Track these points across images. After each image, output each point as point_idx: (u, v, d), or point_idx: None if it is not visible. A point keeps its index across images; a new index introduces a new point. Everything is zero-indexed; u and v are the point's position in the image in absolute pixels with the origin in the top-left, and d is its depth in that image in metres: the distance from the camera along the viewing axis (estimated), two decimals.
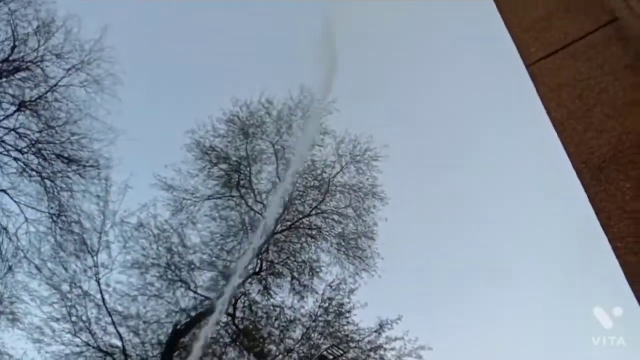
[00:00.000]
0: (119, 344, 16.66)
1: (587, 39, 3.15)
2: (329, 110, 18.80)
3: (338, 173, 19.25)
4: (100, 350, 16.64)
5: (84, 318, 16.58)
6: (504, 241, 19.54)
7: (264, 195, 19.34)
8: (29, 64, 15.36)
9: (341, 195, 19.30)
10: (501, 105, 18.21)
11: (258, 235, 17.34)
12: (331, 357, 15.87)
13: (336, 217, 19.22)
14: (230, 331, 17.95)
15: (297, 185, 19.29)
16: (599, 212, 2.47)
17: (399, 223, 18.82)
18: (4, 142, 15.62)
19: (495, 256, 19.29)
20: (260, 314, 18.01)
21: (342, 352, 16.17)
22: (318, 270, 18.69)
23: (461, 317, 18.86)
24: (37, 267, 16.11)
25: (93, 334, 16.59)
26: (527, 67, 3.31)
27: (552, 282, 17.87)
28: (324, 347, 16.51)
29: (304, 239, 19.11)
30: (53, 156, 16.03)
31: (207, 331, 16.00)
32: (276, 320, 17.89)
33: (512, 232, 19.44)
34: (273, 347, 17.68)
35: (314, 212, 19.04)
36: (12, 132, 15.64)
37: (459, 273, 19.44)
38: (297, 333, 17.79)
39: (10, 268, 15.82)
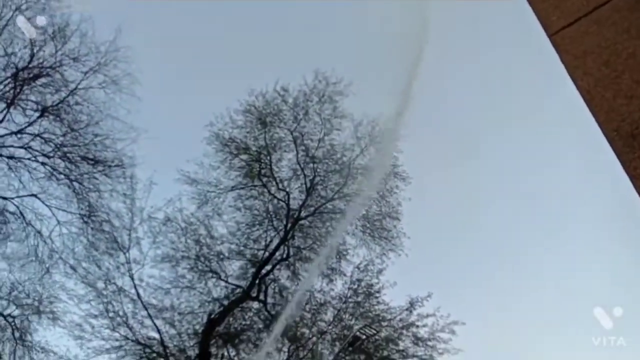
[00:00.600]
0: (156, 335, 17.15)
1: (611, 4, 3.07)
2: (345, 93, 18.74)
3: (358, 155, 19.26)
4: (139, 343, 17.12)
5: (121, 313, 17.08)
6: (524, 223, 19.12)
7: (285, 183, 19.51)
8: (48, 69, 15.60)
9: (362, 178, 19.33)
10: (526, 84, 17.64)
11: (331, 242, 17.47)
12: (364, 336, 16.03)
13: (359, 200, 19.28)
14: (262, 317, 18.30)
15: (318, 170, 19.37)
16: (633, 179, 2.44)
17: (423, 201, 18.73)
18: (30, 147, 15.97)
19: (511, 239, 19.05)
20: (290, 298, 18.27)
21: (374, 332, 16.32)
22: (344, 252, 18.86)
23: (492, 292, 18.76)
24: (72, 267, 16.59)
25: (130, 328, 17.08)
26: (549, 37, 3.24)
27: (553, 282, 17.59)
28: (356, 327, 16.69)
29: (328, 223, 19.26)
30: (78, 158, 16.32)
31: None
32: (306, 304, 18.14)
33: (533, 214, 18.94)
34: (306, 330, 17.97)
35: (336, 196, 19.13)
36: (37, 138, 15.99)
37: (485, 249, 19.24)
38: (329, 315, 18.07)
39: (47, 270, 16.33)
